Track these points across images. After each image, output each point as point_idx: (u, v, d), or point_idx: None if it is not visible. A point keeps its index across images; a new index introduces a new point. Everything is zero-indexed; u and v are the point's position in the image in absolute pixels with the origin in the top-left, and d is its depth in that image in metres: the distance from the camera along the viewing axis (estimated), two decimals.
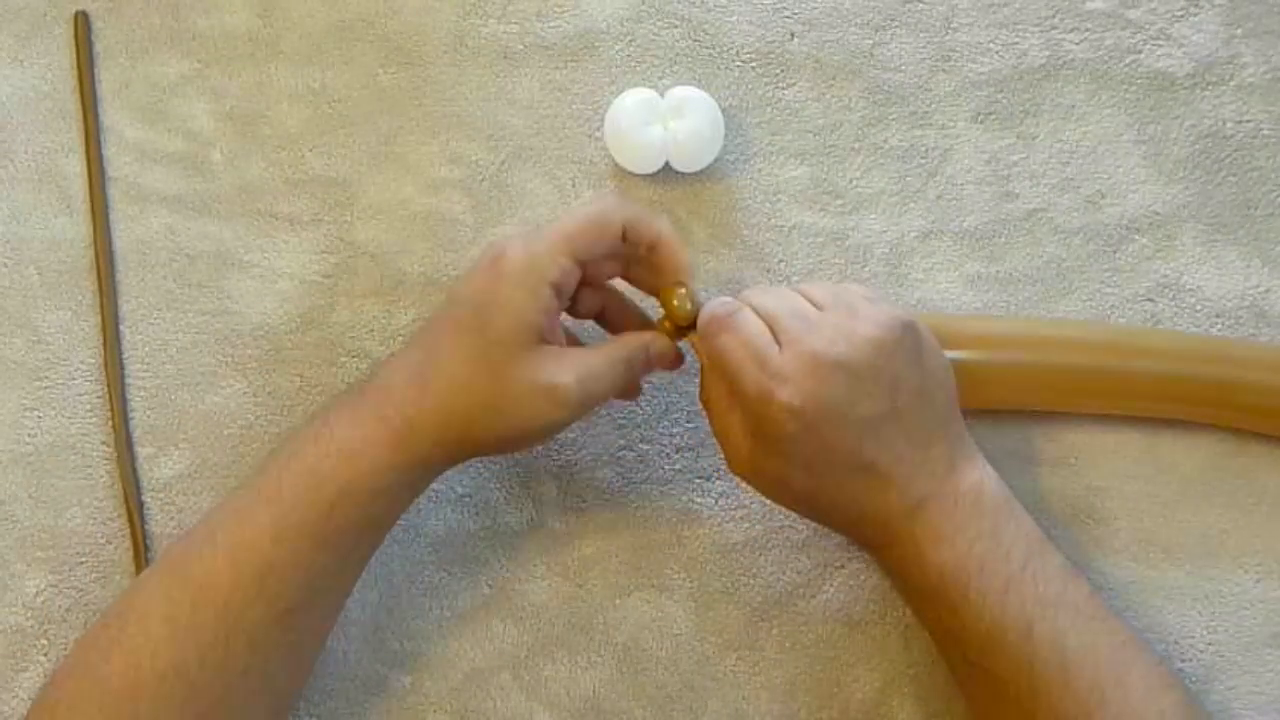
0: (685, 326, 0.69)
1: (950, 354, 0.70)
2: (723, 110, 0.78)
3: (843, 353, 0.65)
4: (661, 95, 0.78)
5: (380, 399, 0.67)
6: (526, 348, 0.66)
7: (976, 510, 0.67)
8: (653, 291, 0.71)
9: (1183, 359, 0.74)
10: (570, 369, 0.66)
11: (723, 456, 0.70)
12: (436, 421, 0.66)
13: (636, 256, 0.69)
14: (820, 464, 0.66)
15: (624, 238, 0.68)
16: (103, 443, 0.76)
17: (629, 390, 0.72)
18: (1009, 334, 0.75)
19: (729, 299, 0.69)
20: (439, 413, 0.66)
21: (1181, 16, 0.80)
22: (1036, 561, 0.66)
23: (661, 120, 0.77)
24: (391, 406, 0.66)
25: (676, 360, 0.71)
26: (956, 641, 0.67)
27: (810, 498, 0.68)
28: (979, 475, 0.68)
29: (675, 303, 0.69)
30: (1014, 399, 0.74)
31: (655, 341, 0.70)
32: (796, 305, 0.67)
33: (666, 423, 0.77)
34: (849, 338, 0.65)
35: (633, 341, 0.69)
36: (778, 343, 0.66)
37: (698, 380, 0.76)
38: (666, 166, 0.78)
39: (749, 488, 0.70)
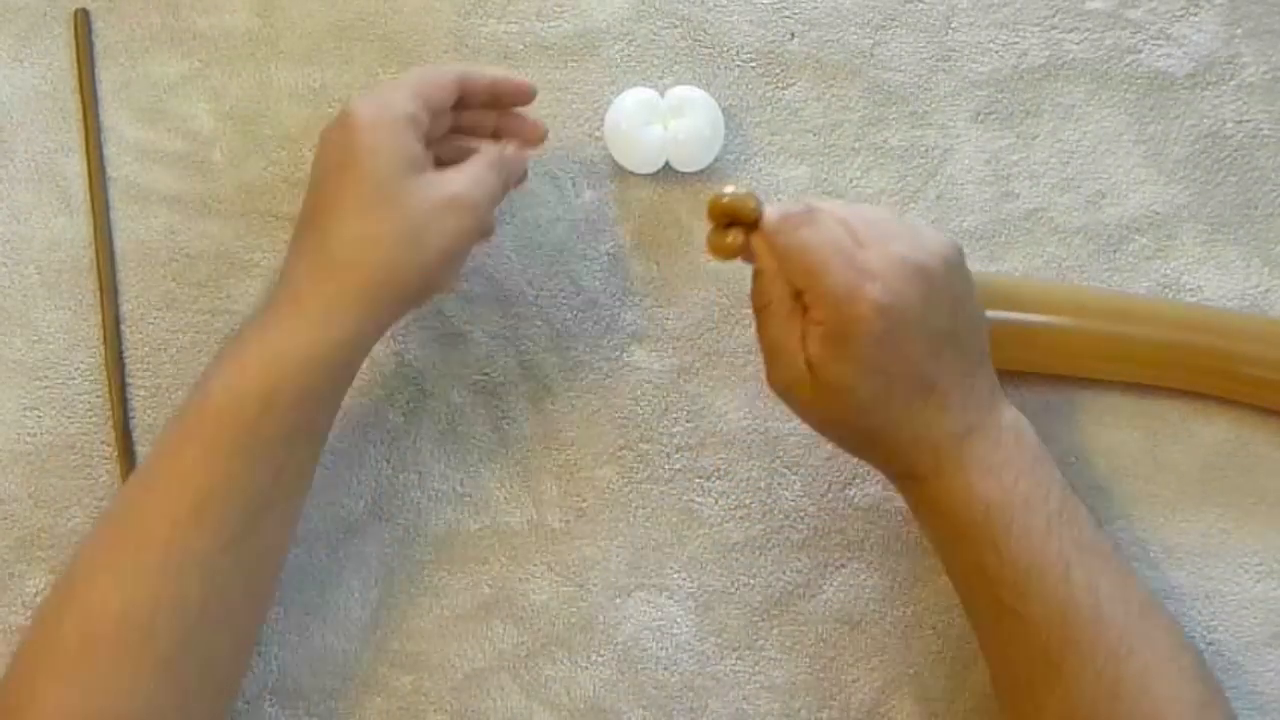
0: (747, 224, 0.67)
1: None
2: (723, 110, 0.78)
3: (923, 260, 0.65)
4: (661, 95, 0.78)
5: (291, 297, 0.67)
6: (413, 176, 0.67)
7: (1018, 446, 0.66)
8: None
9: (1186, 328, 0.74)
10: (458, 179, 0.68)
11: (764, 368, 0.68)
12: (359, 289, 0.66)
13: (497, 108, 0.73)
14: (891, 373, 0.64)
15: (463, 94, 0.71)
16: (103, 443, 0.76)
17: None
18: (1013, 293, 0.74)
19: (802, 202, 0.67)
20: (358, 279, 0.66)
21: (1181, 16, 0.80)
22: (1070, 506, 0.66)
23: (661, 120, 0.77)
24: (306, 298, 0.66)
25: (541, 135, 0.74)
26: (992, 583, 0.65)
27: (867, 413, 0.66)
28: (1014, 414, 0.68)
29: (725, 200, 0.66)
30: (1014, 359, 0.74)
31: (514, 142, 0.73)
32: (867, 213, 0.66)
33: (666, 422, 0.77)
34: (924, 248, 0.65)
35: (493, 147, 0.71)
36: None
37: (697, 380, 0.77)
38: (667, 166, 0.78)
39: (784, 408, 0.68)
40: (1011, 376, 0.75)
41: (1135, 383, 0.76)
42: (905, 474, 0.68)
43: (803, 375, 0.65)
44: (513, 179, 0.72)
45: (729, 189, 0.67)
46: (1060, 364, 0.75)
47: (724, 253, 0.67)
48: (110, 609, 0.64)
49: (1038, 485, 0.66)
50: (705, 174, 0.79)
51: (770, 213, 0.66)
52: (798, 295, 0.65)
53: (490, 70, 0.73)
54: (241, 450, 0.65)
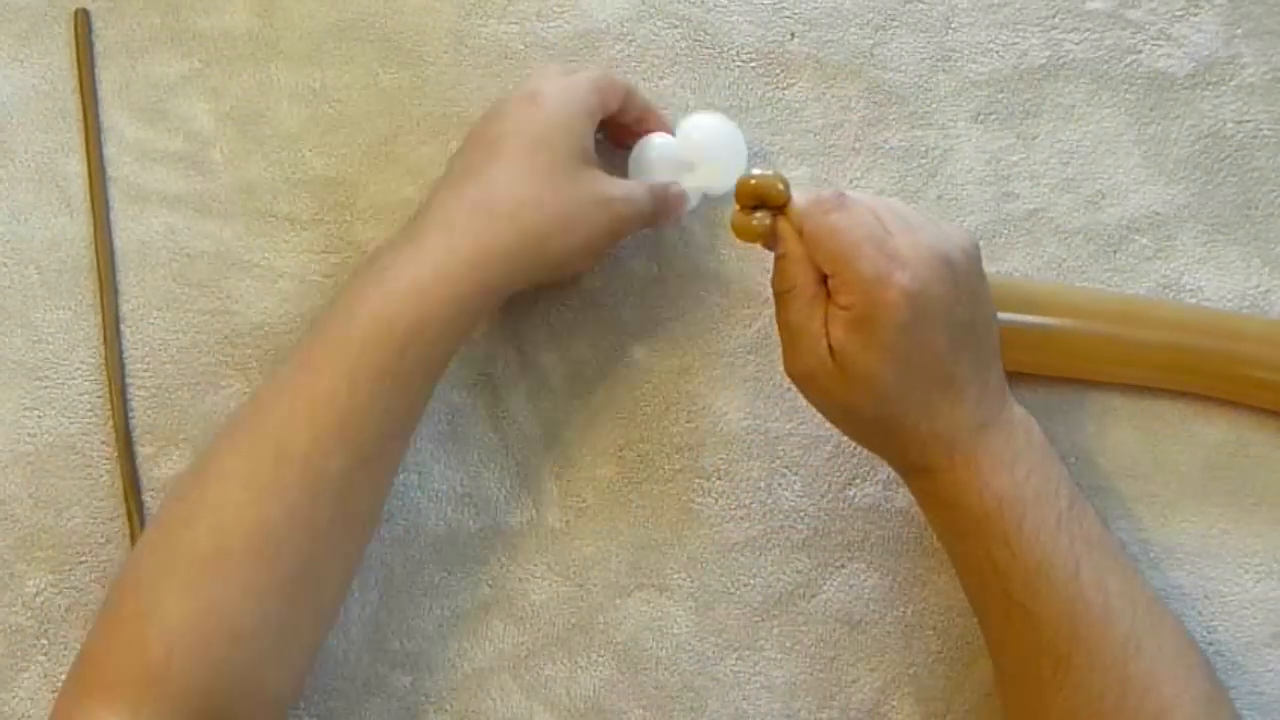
0: (774, 207, 0.67)
1: None
2: (724, 111, 0.78)
3: (949, 251, 0.65)
4: (672, 128, 0.76)
5: (444, 234, 0.69)
6: (582, 167, 0.71)
7: (1029, 441, 0.67)
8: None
9: (1188, 330, 0.74)
10: (616, 187, 0.72)
11: (781, 355, 0.68)
12: (510, 242, 0.69)
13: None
14: (914, 362, 0.64)
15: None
16: (103, 443, 0.76)
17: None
18: (1013, 295, 0.74)
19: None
20: (512, 233, 0.69)
21: (1181, 16, 0.80)
22: (1080, 502, 0.66)
23: (687, 165, 0.75)
24: (460, 237, 0.68)
25: (683, 202, 0.75)
26: (1002, 576, 0.65)
27: (886, 401, 0.65)
28: (1023, 410, 0.68)
29: (753, 182, 0.67)
30: (1016, 360, 0.74)
31: (674, 184, 0.74)
32: (892, 204, 0.67)
33: (666, 422, 0.77)
34: (950, 239, 0.66)
35: (661, 182, 0.74)
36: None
37: (697, 379, 0.77)
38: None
39: (803, 400, 0.68)
40: (1011, 377, 0.75)
41: (1135, 385, 0.76)
42: (918, 467, 0.68)
43: (824, 361, 0.65)
44: (666, 215, 0.74)
45: (756, 171, 0.67)
46: (1059, 366, 0.75)
47: (750, 235, 0.67)
48: (245, 521, 0.64)
49: (1048, 481, 0.66)
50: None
51: (800, 196, 0.66)
52: (823, 280, 0.65)
53: (643, 99, 0.76)
54: (386, 376, 0.67)
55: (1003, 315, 0.71)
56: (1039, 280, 0.78)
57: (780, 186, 0.66)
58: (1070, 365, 0.75)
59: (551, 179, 0.70)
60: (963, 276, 0.65)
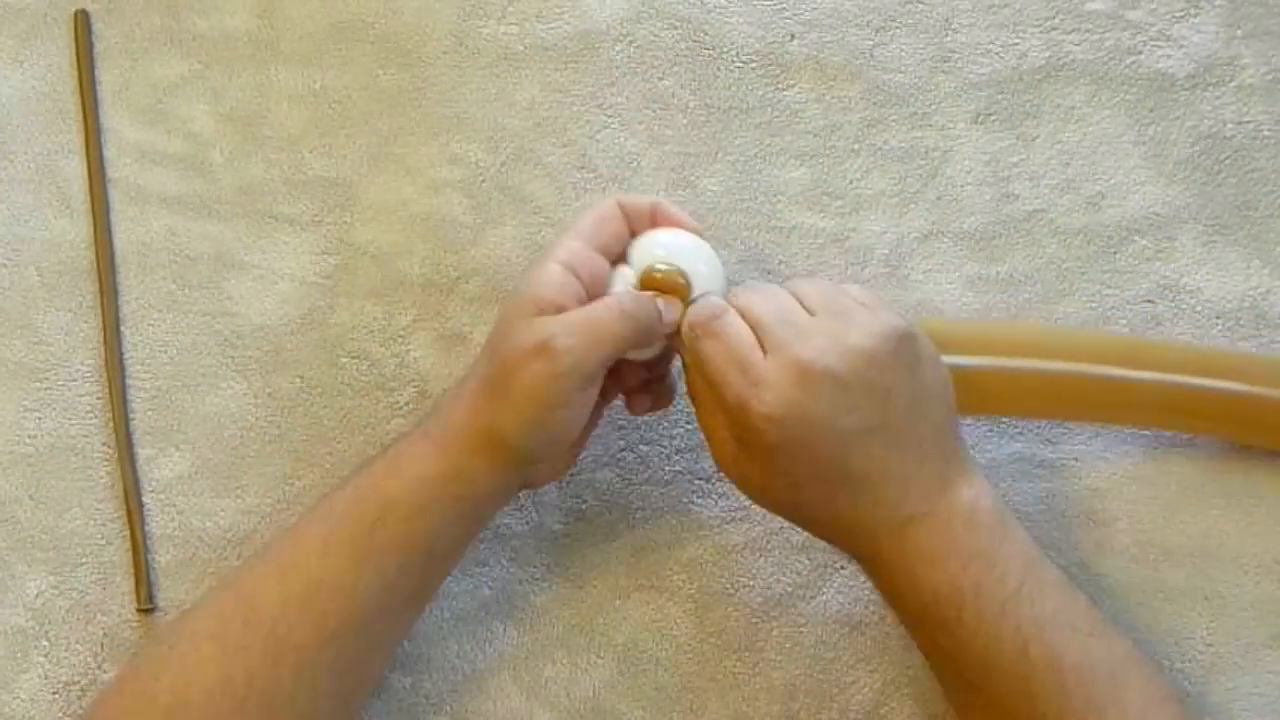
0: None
1: (946, 359, 0.68)
2: (722, 111, 0.78)
3: (831, 363, 0.63)
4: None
5: (427, 422, 0.69)
6: (523, 319, 0.66)
7: (970, 530, 0.65)
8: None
9: (1182, 369, 0.73)
10: (555, 324, 0.66)
11: (709, 452, 0.69)
12: (468, 421, 0.67)
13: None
14: (802, 474, 0.65)
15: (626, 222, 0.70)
16: (103, 443, 0.76)
17: (660, 398, 0.73)
18: (1006, 340, 0.74)
19: (715, 301, 0.68)
20: (464, 418, 0.67)
21: (1181, 17, 0.80)
22: (1032, 580, 0.65)
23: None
24: (433, 426, 0.68)
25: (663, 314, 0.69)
26: (951, 660, 0.66)
27: (793, 507, 0.67)
28: (974, 492, 0.66)
29: (659, 276, 0.68)
30: (1010, 407, 0.74)
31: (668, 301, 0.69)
32: (786, 311, 0.66)
33: (666, 424, 0.77)
34: (839, 347, 0.64)
35: (642, 295, 0.68)
36: (763, 349, 0.65)
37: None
38: None
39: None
40: None
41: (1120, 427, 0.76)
42: (852, 556, 0.69)
43: (729, 464, 0.67)
44: (645, 328, 0.68)
45: (661, 266, 0.69)
46: (1053, 411, 0.75)
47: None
48: (207, 677, 0.65)
49: (991, 567, 0.64)
50: (705, 176, 0.79)
51: (686, 317, 0.67)
52: None
53: (650, 198, 0.71)
54: (355, 552, 0.66)
55: (986, 362, 0.71)
56: (1018, 323, 0.77)
57: (681, 281, 0.68)
58: (1056, 409, 0.75)
59: (489, 349, 0.68)
60: (856, 382, 0.63)
